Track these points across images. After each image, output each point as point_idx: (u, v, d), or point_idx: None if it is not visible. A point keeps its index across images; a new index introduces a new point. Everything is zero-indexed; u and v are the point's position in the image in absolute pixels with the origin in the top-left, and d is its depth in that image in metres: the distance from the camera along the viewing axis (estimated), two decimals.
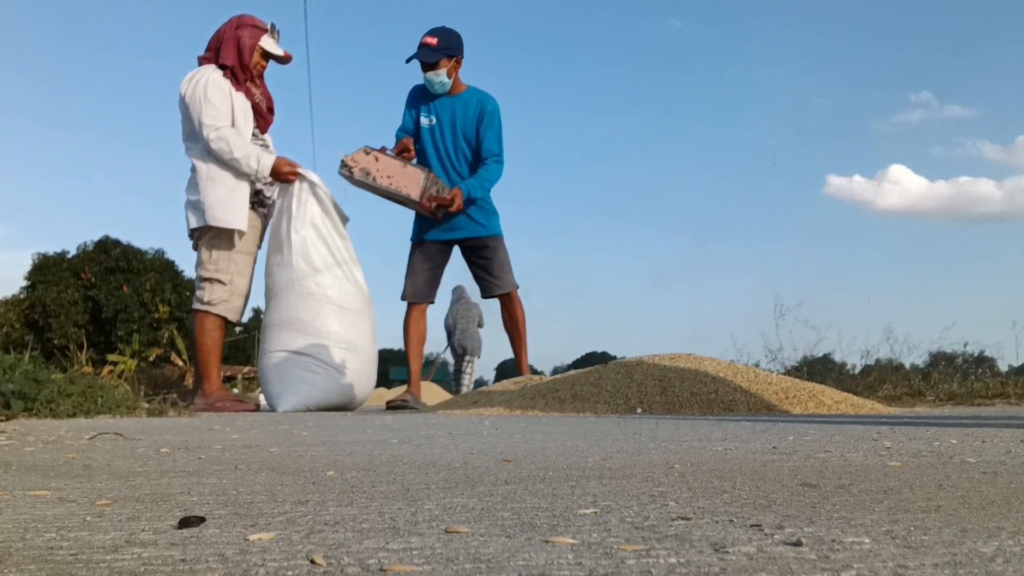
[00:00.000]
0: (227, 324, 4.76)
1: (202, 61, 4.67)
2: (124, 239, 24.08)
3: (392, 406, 4.74)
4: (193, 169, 4.58)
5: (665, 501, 0.84)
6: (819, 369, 6.53)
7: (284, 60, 4.89)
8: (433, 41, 4.60)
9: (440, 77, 4.65)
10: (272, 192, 4.85)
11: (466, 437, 1.92)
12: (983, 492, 0.88)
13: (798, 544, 0.60)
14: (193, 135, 4.55)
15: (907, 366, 6.32)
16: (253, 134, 4.72)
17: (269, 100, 4.92)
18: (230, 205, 4.55)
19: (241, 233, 4.64)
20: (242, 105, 4.66)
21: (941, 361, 6.59)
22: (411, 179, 4.55)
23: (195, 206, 4.57)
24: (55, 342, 19.30)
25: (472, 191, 4.61)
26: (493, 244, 4.84)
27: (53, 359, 4.30)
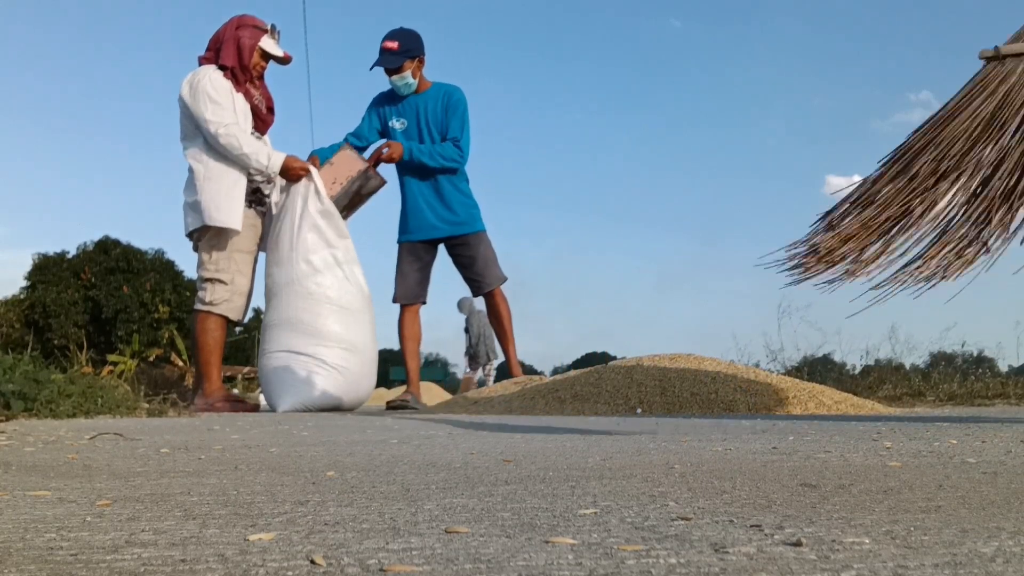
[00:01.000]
0: (229, 324, 4.76)
1: (202, 61, 4.66)
2: (124, 239, 24.07)
3: (392, 406, 4.75)
4: (190, 169, 4.57)
5: (665, 501, 0.83)
6: (819, 369, 6.53)
7: (284, 61, 4.88)
8: (394, 45, 4.67)
9: (405, 79, 4.71)
10: (271, 191, 4.85)
11: (466, 437, 1.92)
12: (983, 492, 0.88)
13: (798, 544, 0.60)
14: (191, 135, 4.54)
15: (907, 366, 6.32)
16: (253, 135, 4.72)
17: (269, 101, 4.92)
18: (226, 204, 4.54)
19: (235, 232, 4.64)
20: (241, 106, 4.66)
21: (941, 361, 6.59)
22: (344, 162, 4.63)
23: (193, 207, 4.57)
24: (55, 342, 19.30)
25: (416, 152, 4.65)
26: (474, 241, 4.84)
27: (53, 359, 4.30)
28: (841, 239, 2.31)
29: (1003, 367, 6.96)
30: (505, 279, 4.91)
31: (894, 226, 2.31)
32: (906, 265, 2.30)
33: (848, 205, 2.39)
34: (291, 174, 4.65)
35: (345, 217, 4.72)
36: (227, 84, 4.59)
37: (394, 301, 4.88)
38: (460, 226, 4.81)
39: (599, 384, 3.87)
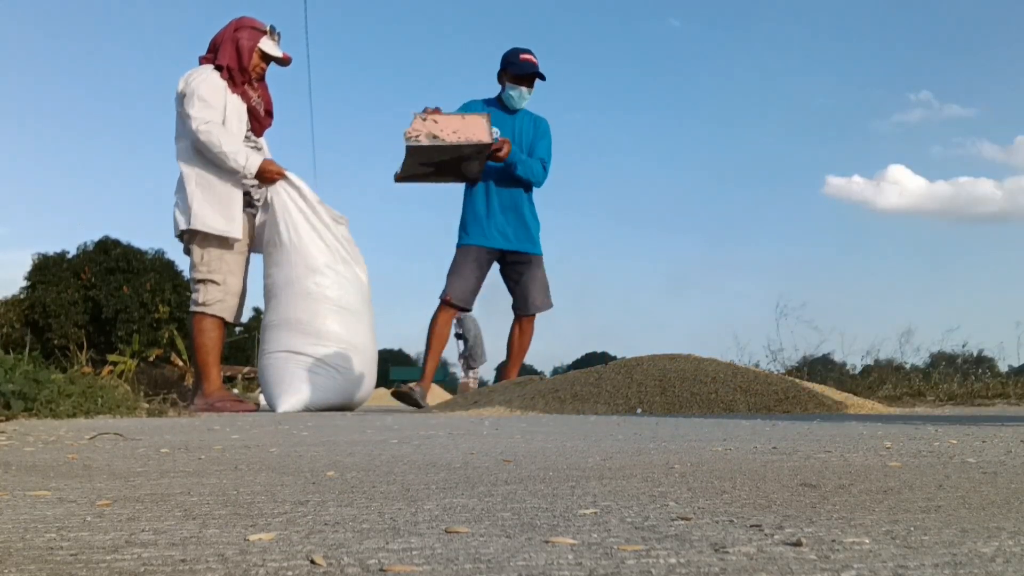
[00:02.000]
0: (225, 324, 4.76)
1: (203, 61, 4.67)
2: (124, 239, 24.10)
3: (398, 393, 4.77)
4: (183, 169, 4.56)
5: (665, 501, 0.83)
6: (819, 369, 6.53)
7: (283, 62, 4.88)
8: (536, 61, 4.73)
9: (530, 93, 4.76)
10: (260, 193, 4.84)
11: (466, 437, 1.92)
12: (983, 492, 0.88)
13: (798, 544, 0.60)
14: (184, 133, 4.54)
15: (907, 366, 6.32)
16: (246, 136, 4.72)
17: (268, 103, 4.91)
18: (223, 209, 4.56)
19: (234, 237, 4.65)
20: (236, 107, 4.66)
21: (941, 361, 6.59)
22: (476, 126, 4.45)
23: (183, 208, 4.56)
24: (55, 342, 19.30)
25: (516, 155, 4.60)
26: (536, 262, 4.84)
27: (53, 359, 4.30)
28: None
29: (1003, 367, 6.96)
30: (551, 306, 4.91)
31: None
32: None
33: None
34: (266, 176, 4.64)
35: (422, 175, 4.54)
36: (222, 84, 4.58)
37: (445, 298, 4.76)
38: (528, 243, 4.79)
39: (599, 384, 3.87)
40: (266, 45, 4.72)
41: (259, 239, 4.88)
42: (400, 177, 4.63)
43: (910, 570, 0.52)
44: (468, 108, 4.79)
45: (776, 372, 5.35)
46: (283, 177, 4.70)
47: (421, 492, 0.93)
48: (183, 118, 4.47)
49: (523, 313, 4.87)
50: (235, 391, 7.64)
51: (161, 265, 23.99)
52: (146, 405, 3.58)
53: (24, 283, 23.60)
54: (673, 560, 0.55)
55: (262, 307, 5.08)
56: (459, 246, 4.81)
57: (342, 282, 4.85)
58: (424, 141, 4.36)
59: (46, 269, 23.44)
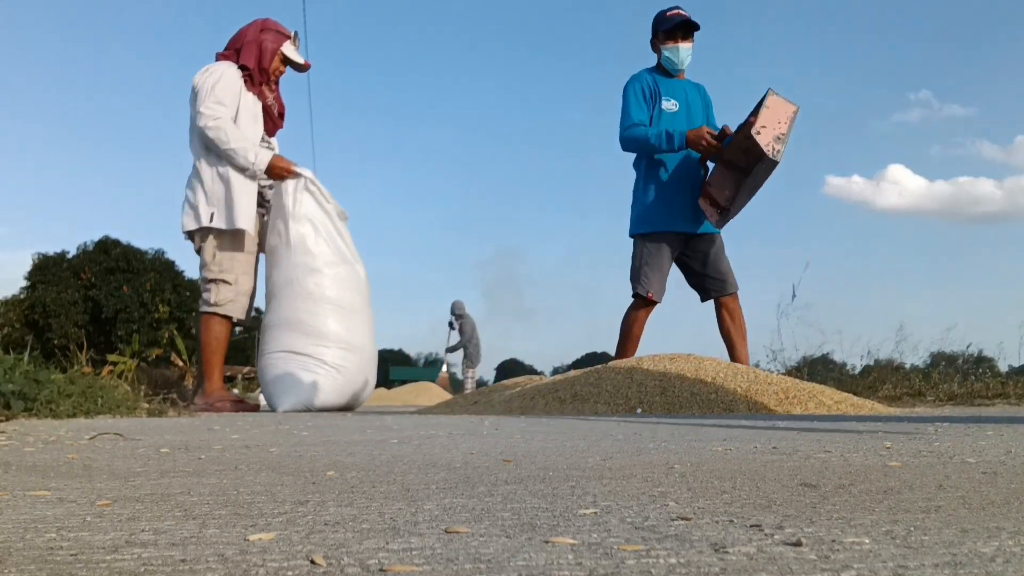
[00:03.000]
0: (231, 324, 4.78)
1: (220, 57, 4.69)
2: (124, 239, 24.11)
3: None
4: (196, 167, 4.58)
5: (665, 501, 0.83)
6: (819, 369, 6.53)
7: (303, 68, 4.93)
8: (686, 13, 4.25)
9: (690, 50, 4.30)
10: (271, 194, 4.86)
11: (466, 437, 1.92)
12: (983, 492, 0.88)
13: (798, 544, 0.60)
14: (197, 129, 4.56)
15: (907, 366, 6.32)
16: (261, 136, 4.75)
17: (281, 106, 4.95)
18: (237, 205, 4.55)
19: (242, 233, 4.66)
20: (251, 106, 4.68)
21: (941, 361, 6.58)
22: (780, 105, 3.96)
23: (194, 205, 4.57)
24: (55, 342, 19.30)
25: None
26: (720, 241, 4.41)
27: (53, 359, 4.30)
28: None
29: (1003, 367, 6.95)
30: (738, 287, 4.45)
31: None
32: None
33: None
34: (275, 172, 4.64)
35: (771, 154, 3.95)
36: (239, 83, 4.61)
37: (644, 294, 4.29)
38: (710, 224, 4.34)
39: (599, 384, 3.87)
40: (288, 50, 4.78)
41: (264, 240, 4.91)
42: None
43: (910, 570, 0.52)
44: (638, 81, 4.32)
45: (776, 372, 5.35)
46: (293, 173, 4.71)
47: (421, 492, 0.93)
48: (197, 109, 4.49)
49: (724, 293, 4.33)
50: (235, 391, 7.64)
51: (161, 265, 23.98)
52: (146, 405, 3.58)
53: (24, 283, 23.61)
54: (673, 560, 0.55)
55: (262, 307, 5.09)
56: (642, 235, 4.33)
57: (342, 282, 4.85)
58: (781, 147, 3.93)
59: (46, 269, 23.44)
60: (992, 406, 4.32)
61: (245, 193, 4.58)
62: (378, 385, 6.48)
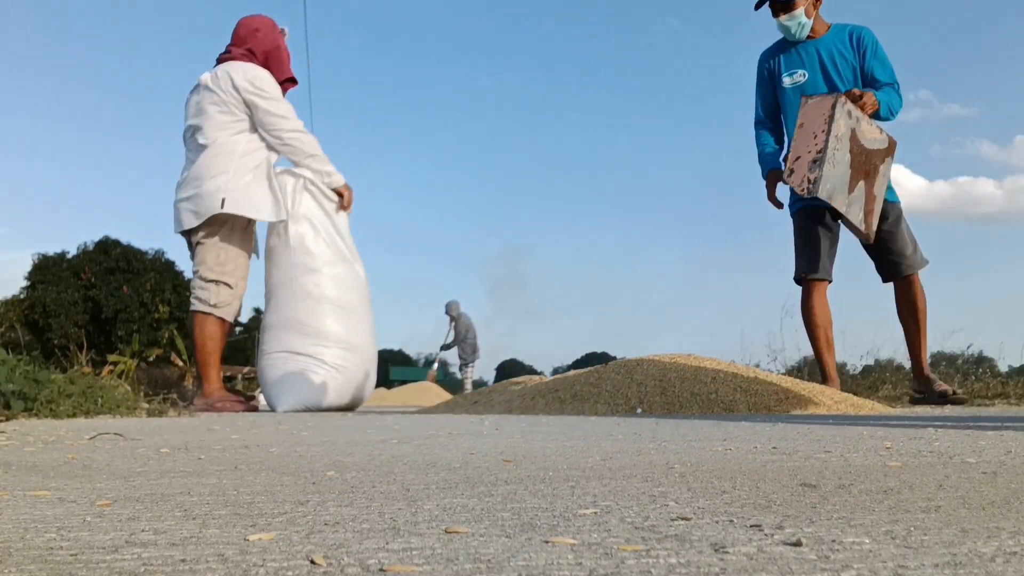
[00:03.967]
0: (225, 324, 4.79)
1: (238, 56, 4.62)
2: (124, 239, 24.10)
3: (955, 400, 3.89)
4: (210, 162, 4.48)
5: (665, 501, 0.83)
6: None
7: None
8: None
9: (797, 19, 3.80)
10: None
11: (466, 437, 1.92)
12: (983, 492, 0.88)
13: (798, 544, 0.60)
14: (224, 125, 4.50)
15: (907, 366, 6.31)
16: None
17: None
18: (257, 199, 4.56)
19: (250, 235, 4.71)
20: None
21: (942, 362, 6.58)
22: (816, 109, 3.53)
23: (204, 197, 4.49)
24: (55, 342, 19.31)
25: (888, 102, 3.67)
26: (895, 213, 3.87)
27: (53, 359, 4.30)
28: None
29: (1003, 367, 6.95)
30: (927, 262, 3.93)
31: None
32: None
33: None
34: (341, 191, 4.82)
35: (807, 194, 3.52)
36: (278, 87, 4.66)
37: (797, 277, 3.96)
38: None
39: (599, 384, 3.87)
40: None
41: (260, 244, 4.94)
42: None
43: (910, 570, 0.52)
44: (758, 66, 4.01)
45: (776, 372, 5.35)
46: (350, 194, 4.90)
47: (421, 492, 0.93)
48: (265, 115, 4.47)
49: (889, 279, 3.92)
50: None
51: (161, 265, 23.98)
52: (146, 405, 3.58)
53: (24, 283, 23.60)
54: (673, 560, 0.55)
55: (261, 307, 5.10)
56: (793, 213, 3.99)
57: (341, 281, 4.85)
58: (818, 172, 3.48)
59: (46, 269, 23.43)
60: (992, 406, 4.32)
61: (265, 185, 4.59)
62: (378, 385, 6.49)
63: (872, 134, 3.56)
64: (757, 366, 5.32)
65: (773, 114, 4.02)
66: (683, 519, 0.72)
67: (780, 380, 3.74)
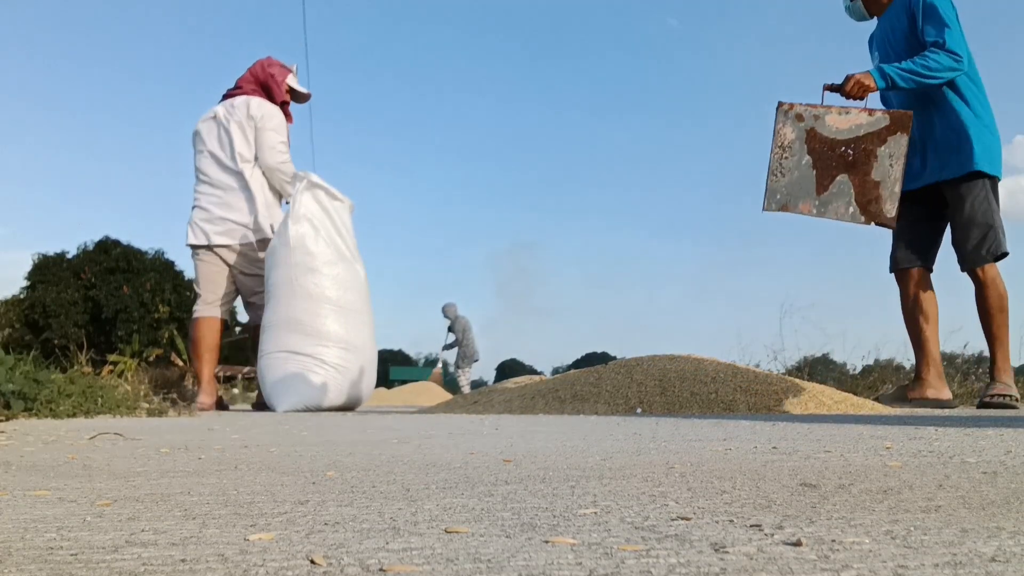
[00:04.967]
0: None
1: (250, 92, 5.18)
2: (124, 239, 24.12)
3: (990, 404, 3.57)
4: (248, 187, 5.06)
5: (665, 501, 0.83)
6: (819, 369, 6.53)
7: (305, 98, 5.45)
8: None
9: (853, 2, 3.70)
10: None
11: (466, 437, 1.92)
12: (983, 492, 0.88)
13: (798, 544, 0.60)
14: (250, 156, 5.06)
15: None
16: None
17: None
18: (276, 220, 5.17)
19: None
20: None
21: (942, 361, 6.57)
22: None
23: (260, 217, 5.05)
24: (55, 342, 19.31)
25: (891, 73, 3.37)
26: (962, 190, 3.44)
27: (53, 359, 4.30)
28: None
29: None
30: (998, 255, 3.46)
31: None
32: None
33: None
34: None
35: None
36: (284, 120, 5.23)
37: (897, 268, 3.71)
38: (944, 169, 3.47)
39: (599, 384, 3.87)
40: (292, 82, 5.31)
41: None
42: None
43: (910, 570, 0.52)
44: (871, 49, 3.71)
45: (776, 372, 5.35)
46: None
47: (421, 492, 0.93)
48: (267, 146, 5.04)
49: (962, 270, 3.55)
50: (235, 391, 7.65)
51: (161, 265, 23.99)
52: (146, 405, 3.58)
53: (24, 283, 23.61)
54: (673, 560, 0.55)
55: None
56: None
57: (341, 282, 4.85)
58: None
59: (46, 269, 23.44)
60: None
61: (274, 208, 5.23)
62: (378, 385, 6.49)
63: (845, 123, 3.30)
64: (757, 366, 5.33)
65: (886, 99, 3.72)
66: (683, 519, 0.72)
67: (780, 380, 3.74)
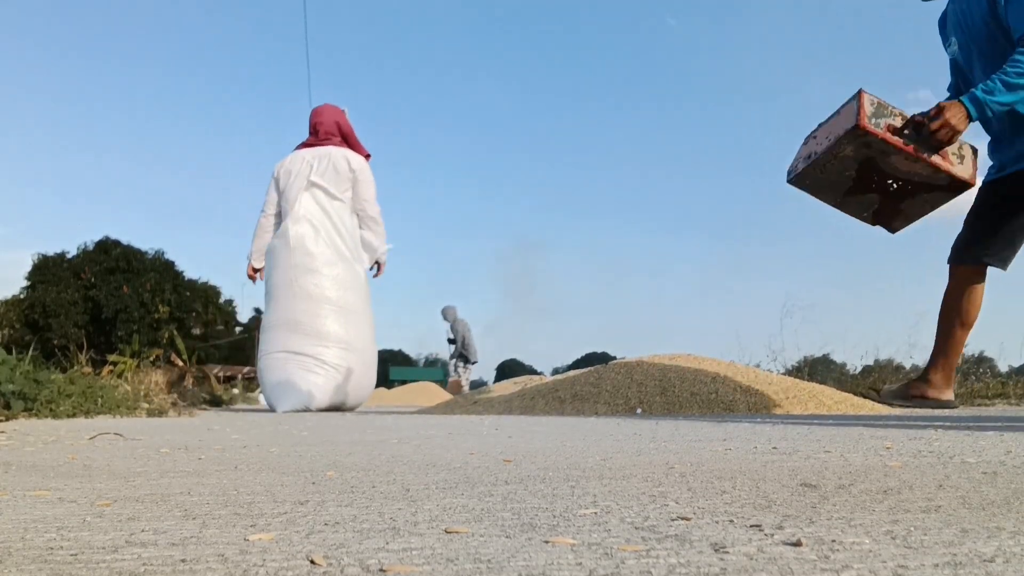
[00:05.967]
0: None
1: (336, 143, 5.45)
2: (124, 239, 24.12)
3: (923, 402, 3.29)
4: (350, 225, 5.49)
5: (665, 501, 0.83)
6: (819, 369, 6.53)
7: None
8: None
9: None
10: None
11: (466, 437, 1.92)
12: (983, 492, 0.88)
13: (798, 544, 0.60)
14: (349, 198, 5.38)
15: (907, 366, 6.32)
16: None
17: None
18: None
19: None
20: None
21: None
22: (844, 116, 3.10)
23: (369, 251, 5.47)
24: (55, 342, 19.31)
25: (985, 100, 2.90)
26: (981, 193, 3.18)
27: (53, 359, 4.30)
28: None
29: (1003, 367, 6.96)
30: (953, 256, 3.18)
31: None
32: None
33: None
34: (384, 263, 5.61)
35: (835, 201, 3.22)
36: None
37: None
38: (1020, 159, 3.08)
39: (599, 384, 3.87)
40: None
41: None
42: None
43: (910, 570, 0.52)
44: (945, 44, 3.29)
45: (776, 372, 5.35)
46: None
47: (421, 492, 0.93)
48: (366, 195, 5.35)
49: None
50: (235, 391, 7.66)
51: (161, 265, 23.99)
52: (146, 405, 3.58)
53: (24, 283, 23.61)
54: (673, 560, 0.55)
55: (262, 307, 5.11)
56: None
57: (341, 282, 4.85)
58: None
59: (46, 269, 23.44)
60: (992, 406, 4.32)
61: None
62: (378, 385, 6.50)
63: (907, 167, 3.02)
64: (757, 366, 5.33)
65: (955, 88, 3.32)
66: (683, 519, 0.72)
67: (780, 380, 3.74)
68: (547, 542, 0.62)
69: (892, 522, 0.70)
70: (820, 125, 3.20)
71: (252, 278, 5.31)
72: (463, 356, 12.59)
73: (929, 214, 3.19)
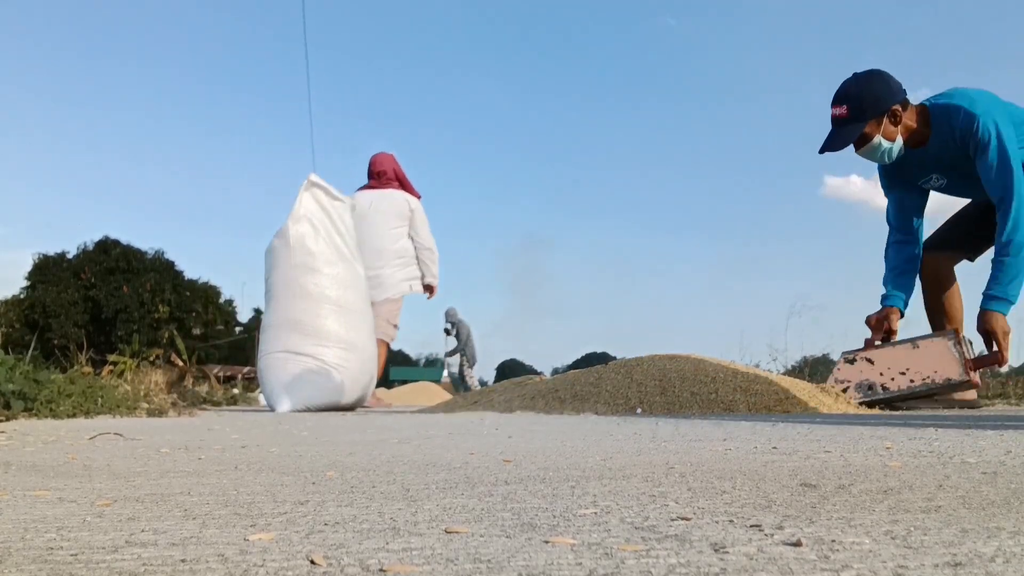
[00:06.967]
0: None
1: (393, 187, 6.20)
2: (124, 239, 24.13)
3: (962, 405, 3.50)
4: (406, 249, 6.17)
5: (665, 501, 0.83)
6: (820, 369, 6.53)
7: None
8: (842, 111, 3.22)
9: (878, 149, 3.24)
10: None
11: (466, 437, 1.92)
12: (983, 492, 0.88)
13: (798, 544, 0.60)
14: (406, 232, 6.16)
15: None
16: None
17: None
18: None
19: None
20: None
21: None
22: (935, 357, 3.35)
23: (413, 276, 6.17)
24: (55, 342, 19.31)
25: (1012, 293, 3.10)
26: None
27: (53, 359, 4.31)
28: None
29: (1003, 367, 6.95)
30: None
31: None
32: None
33: None
34: (435, 287, 6.42)
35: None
36: None
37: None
38: None
39: (599, 384, 3.87)
40: None
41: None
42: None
43: (910, 570, 0.52)
44: (890, 182, 3.50)
45: (776, 372, 5.35)
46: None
47: (421, 492, 0.93)
48: (423, 235, 6.22)
49: None
50: (235, 391, 7.67)
51: (161, 265, 23.99)
52: (146, 405, 3.58)
53: (24, 283, 23.61)
54: (673, 560, 0.55)
55: (262, 307, 5.11)
56: None
57: (341, 281, 4.86)
58: (859, 396, 3.52)
59: (46, 269, 23.45)
60: (992, 406, 4.31)
61: None
62: (378, 385, 6.51)
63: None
64: (757, 366, 5.33)
65: (904, 227, 3.52)
66: (683, 519, 0.72)
67: (780, 380, 3.74)
68: (547, 542, 0.62)
69: (892, 522, 0.70)
70: (864, 350, 3.56)
71: None
72: (468, 357, 12.68)
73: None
